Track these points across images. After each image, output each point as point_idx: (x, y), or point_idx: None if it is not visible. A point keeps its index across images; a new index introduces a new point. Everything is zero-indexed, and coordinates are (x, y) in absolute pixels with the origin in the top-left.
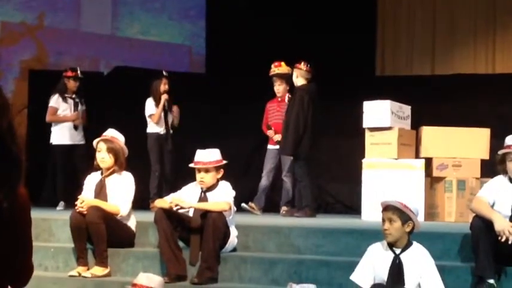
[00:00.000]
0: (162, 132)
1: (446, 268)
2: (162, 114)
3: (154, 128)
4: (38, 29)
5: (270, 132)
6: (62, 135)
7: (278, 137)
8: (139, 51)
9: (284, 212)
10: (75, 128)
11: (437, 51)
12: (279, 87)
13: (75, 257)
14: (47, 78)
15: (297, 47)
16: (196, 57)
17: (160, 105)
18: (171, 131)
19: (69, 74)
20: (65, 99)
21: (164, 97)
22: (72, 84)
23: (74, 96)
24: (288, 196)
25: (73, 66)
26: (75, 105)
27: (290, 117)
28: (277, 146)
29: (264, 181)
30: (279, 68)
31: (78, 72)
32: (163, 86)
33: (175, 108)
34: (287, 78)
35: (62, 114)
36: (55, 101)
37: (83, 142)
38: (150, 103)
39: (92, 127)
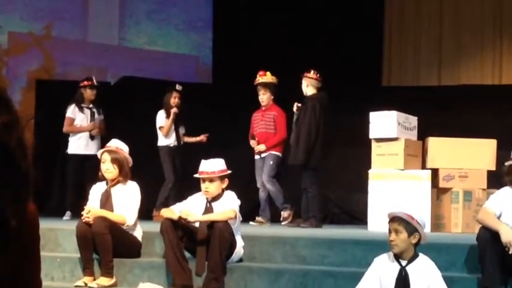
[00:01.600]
0: (172, 145)
1: (452, 279)
2: (173, 127)
3: (164, 141)
4: (45, 39)
5: (252, 142)
6: (77, 145)
7: (261, 148)
8: (147, 62)
9: (256, 223)
10: (92, 138)
11: (443, 62)
12: (263, 96)
13: (81, 267)
14: (54, 89)
15: (303, 57)
16: (203, 67)
17: (170, 119)
18: (181, 143)
19: (85, 83)
20: (81, 109)
21: (173, 110)
22: (89, 94)
23: (91, 106)
24: (263, 205)
25: (81, 76)
26: (92, 115)
27: (301, 126)
28: (262, 155)
29: (262, 192)
30: (263, 77)
31: (94, 80)
32: (173, 100)
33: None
34: (271, 88)
35: (78, 125)
36: (71, 111)
37: (95, 152)
38: (161, 115)
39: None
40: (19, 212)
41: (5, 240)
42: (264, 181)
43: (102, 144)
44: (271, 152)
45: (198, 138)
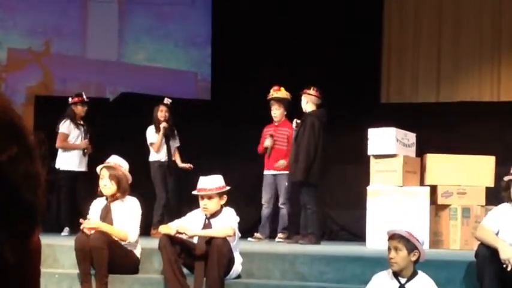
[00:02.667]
0: (163, 160)
1: None
2: (163, 141)
3: (155, 156)
4: (44, 55)
5: (269, 140)
6: (70, 162)
7: (283, 164)
8: (146, 78)
9: (280, 239)
10: (84, 154)
11: (442, 79)
12: (277, 112)
13: (79, 282)
14: (53, 104)
15: (302, 74)
16: (202, 83)
17: (160, 133)
18: (174, 159)
19: (76, 100)
20: (76, 126)
21: (163, 125)
22: (80, 110)
23: (82, 122)
24: (284, 223)
25: (78, 92)
26: (86, 132)
27: (301, 143)
28: (273, 172)
29: (266, 209)
30: (277, 92)
31: (84, 97)
32: (161, 114)
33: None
34: (285, 103)
35: (72, 141)
36: (67, 127)
37: (85, 169)
38: (150, 131)
39: (97, 153)
40: (18, 247)
41: (3, 275)
42: (282, 204)
43: (98, 161)
44: (285, 172)
45: (185, 165)
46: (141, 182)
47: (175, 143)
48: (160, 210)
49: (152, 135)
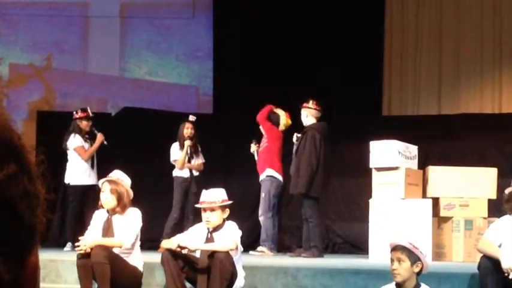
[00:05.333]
0: (186, 176)
1: None
2: (187, 159)
3: (178, 172)
4: (45, 70)
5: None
6: (80, 176)
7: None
8: (147, 92)
9: (254, 252)
10: (93, 166)
11: (443, 91)
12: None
13: None
14: (55, 119)
15: (303, 87)
16: (204, 97)
17: (184, 151)
18: (196, 174)
19: (81, 115)
20: (84, 140)
21: (187, 143)
22: (84, 125)
23: (87, 136)
24: (263, 234)
25: (82, 107)
26: (91, 145)
27: (302, 156)
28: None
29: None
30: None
31: (89, 111)
32: (186, 131)
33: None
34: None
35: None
36: (79, 140)
37: (95, 182)
38: (174, 148)
39: (99, 168)
40: (15, 266)
41: None
42: (260, 215)
43: (100, 176)
44: (265, 177)
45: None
46: (144, 196)
47: (198, 160)
48: (171, 224)
49: (176, 152)
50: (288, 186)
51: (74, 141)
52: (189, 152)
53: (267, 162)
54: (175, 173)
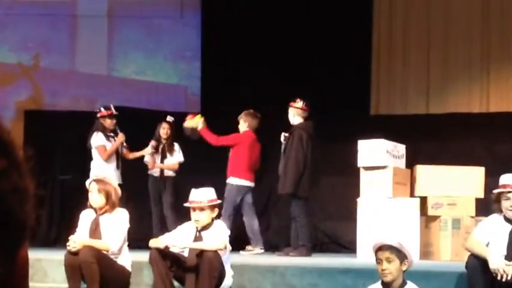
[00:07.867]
0: (156, 175)
1: None
2: (158, 157)
3: (150, 171)
4: (33, 69)
5: None
6: (104, 174)
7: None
8: (135, 92)
9: (245, 252)
10: (118, 167)
11: (431, 90)
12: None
13: None
14: (42, 119)
15: (291, 86)
16: (192, 97)
17: (146, 149)
18: (170, 174)
19: (104, 113)
20: (107, 138)
21: (151, 144)
22: (109, 123)
23: (111, 134)
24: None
25: (106, 104)
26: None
27: (289, 155)
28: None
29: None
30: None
31: (113, 109)
32: (163, 131)
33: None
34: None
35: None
36: (101, 139)
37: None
38: (149, 147)
39: (87, 167)
40: (6, 260)
41: None
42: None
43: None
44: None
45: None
46: (135, 195)
47: (175, 159)
48: (156, 223)
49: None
50: (276, 186)
51: (96, 140)
52: (160, 151)
53: (231, 168)
54: (149, 172)
